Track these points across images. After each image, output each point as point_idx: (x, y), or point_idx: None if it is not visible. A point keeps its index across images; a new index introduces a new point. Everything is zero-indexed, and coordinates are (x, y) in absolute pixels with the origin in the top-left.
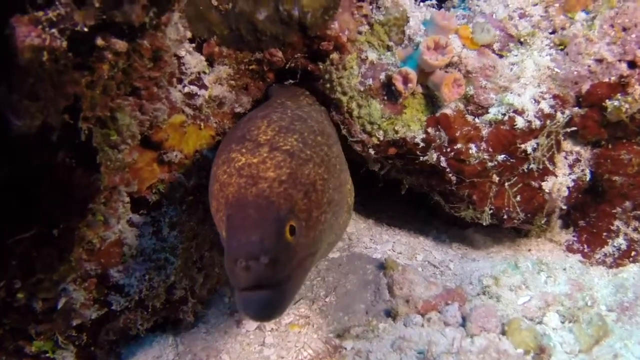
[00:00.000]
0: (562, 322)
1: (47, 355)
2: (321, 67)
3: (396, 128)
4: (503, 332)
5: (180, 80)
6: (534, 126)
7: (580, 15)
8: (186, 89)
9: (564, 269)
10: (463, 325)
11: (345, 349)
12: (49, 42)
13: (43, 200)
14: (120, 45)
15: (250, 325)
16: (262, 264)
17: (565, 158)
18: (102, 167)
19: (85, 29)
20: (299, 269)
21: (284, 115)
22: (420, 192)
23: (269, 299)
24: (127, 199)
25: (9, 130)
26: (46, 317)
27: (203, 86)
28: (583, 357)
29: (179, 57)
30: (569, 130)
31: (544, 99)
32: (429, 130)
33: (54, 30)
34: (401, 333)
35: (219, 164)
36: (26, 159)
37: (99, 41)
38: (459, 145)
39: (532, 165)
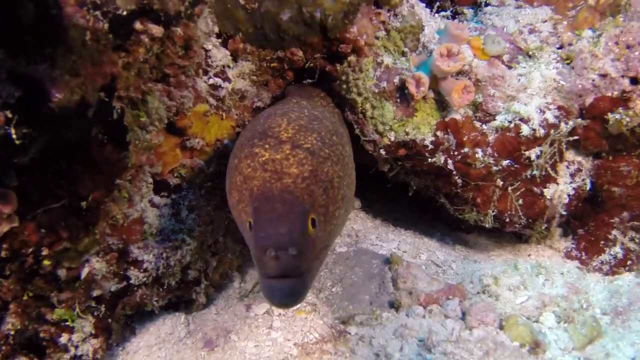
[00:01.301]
0: (558, 322)
1: (67, 323)
2: (339, 68)
3: (407, 130)
4: (501, 327)
5: (206, 72)
6: (538, 134)
7: (587, 33)
8: (211, 81)
9: (562, 274)
10: (462, 318)
11: (350, 334)
12: (92, 23)
13: (75, 173)
14: (157, 30)
15: (259, 309)
16: (290, 255)
17: (567, 167)
18: (130, 145)
19: (125, 13)
20: (316, 260)
21: (301, 115)
22: (426, 197)
23: (294, 288)
24: (151, 180)
25: (50, 103)
26: (69, 286)
27: (227, 79)
28: (576, 354)
29: (206, 50)
30: (571, 139)
31: (549, 109)
32: (438, 133)
33: (97, 12)
34: (403, 322)
35: (241, 157)
36: (63, 132)
37: (138, 25)
38: (466, 149)
39: (535, 172)
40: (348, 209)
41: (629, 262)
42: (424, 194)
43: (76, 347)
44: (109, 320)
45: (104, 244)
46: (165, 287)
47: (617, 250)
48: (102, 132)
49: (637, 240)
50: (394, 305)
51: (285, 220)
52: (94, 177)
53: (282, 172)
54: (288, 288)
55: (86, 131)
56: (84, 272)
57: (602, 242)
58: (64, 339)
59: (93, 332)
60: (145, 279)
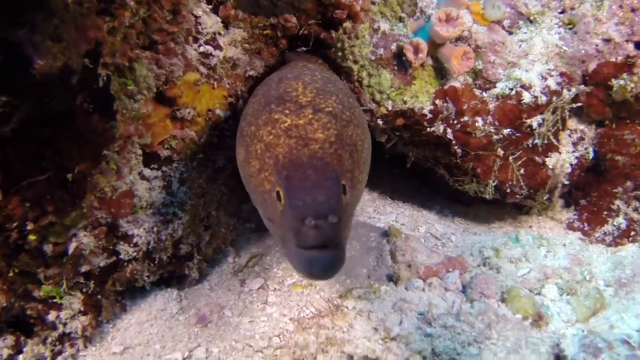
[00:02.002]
0: (561, 295)
1: (55, 300)
2: (334, 35)
3: (405, 98)
4: (502, 300)
5: (196, 40)
6: (540, 102)
7: None
8: (201, 48)
9: (564, 245)
10: (463, 291)
11: (347, 307)
12: None
13: (59, 143)
14: None
15: (254, 284)
16: (330, 223)
17: (570, 136)
18: (118, 114)
19: None
20: (347, 228)
21: (315, 78)
22: (425, 168)
23: (335, 258)
24: (140, 152)
25: (31, 70)
26: (56, 262)
27: (218, 47)
28: (580, 327)
29: (195, 17)
30: (574, 107)
31: (551, 75)
32: (437, 102)
33: None
34: (402, 295)
35: (259, 124)
36: (46, 100)
37: None
38: (465, 118)
39: (536, 141)
40: (367, 173)
41: (632, 233)
42: (422, 165)
43: (65, 325)
44: (99, 296)
45: (92, 218)
46: (156, 262)
47: (621, 220)
48: (87, 101)
49: None
50: (393, 279)
51: (322, 187)
52: (80, 148)
53: (308, 137)
54: (330, 258)
55: (71, 99)
56: (71, 247)
57: (605, 212)
58: (51, 316)
59: (82, 309)
60: (135, 253)
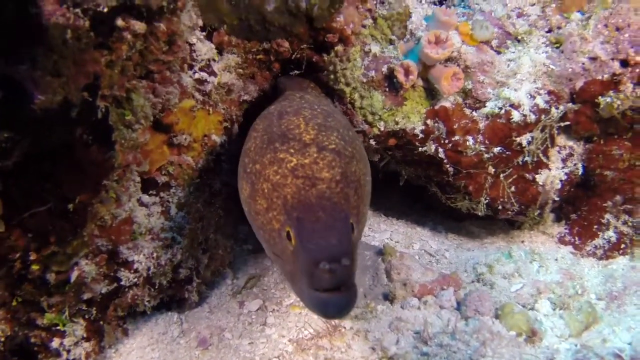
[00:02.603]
0: (553, 309)
1: (58, 327)
2: (326, 58)
3: (396, 119)
4: (496, 316)
5: (191, 67)
6: (529, 120)
7: (576, 15)
8: (196, 75)
9: (556, 259)
10: (458, 309)
11: (345, 327)
12: (72, 21)
13: (60, 175)
14: (140, 26)
15: (253, 306)
16: (344, 266)
17: (559, 152)
18: (116, 145)
19: (106, 10)
20: (355, 263)
21: (315, 112)
22: (418, 186)
23: (349, 299)
24: (138, 179)
25: (32, 105)
26: (58, 290)
27: (212, 73)
28: (573, 341)
29: (190, 44)
30: (562, 124)
31: (539, 94)
32: (428, 122)
33: (77, 10)
34: (398, 314)
35: (264, 163)
36: (46, 134)
37: (120, 22)
38: (456, 137)
39: (526, 158)
40: (369, 203)
41: (622, 246)
42: (415, 183)
43: (68, 351)
44: (101, 322)
45: (93, 246)
46: (156, 286)
47: (611, 234)
48: (86, 133)
49: (630, 224)
50: (389, 298)
51: (333, 230)
52: (80, 178)
53: (315, 177)
54: (344, 300)
55: (70, 132)
56: (74, 275)
57: (595, 226)
58: (55, 343)
59: (85, 335)
60: (136, 279)
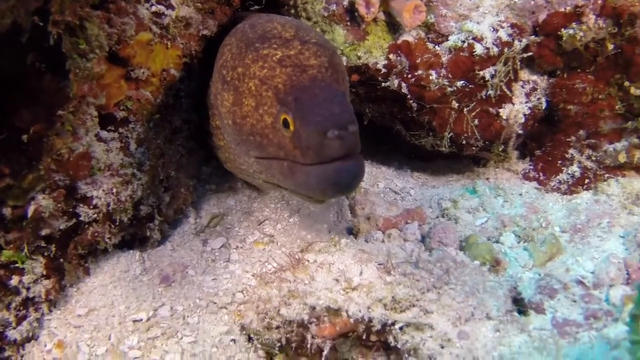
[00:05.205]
0: (518, 242)
1: (17, 265)
2: None
3: (359, 54)
4: (461, 248)
5: None
6: (492, 53)
7: None
8: (153, 8)
9: (520, 194)
10: (422, 241)
11: (308, 261)
12: None
13: (12, 105)
14: None
15: (216, 243)
16: (351, 133)
17: (523, 87)
18: (71, 74)
19: None
20: None
21: (287, 18)
22: (382, 126)
23: (360, 166)
24: (95, 113)
25: None
26: (15, 226)
27: (170, 6)
28: (537, 270)
29: None
30: (525, 56)
31: (502, 27)
32: (391, 56)
33: None
34: (362, 247)
35: (247, 64)
36: None
37: None
38: (419, 72)
39: (490, 92)
40: None
41: (586, 181)
42: (380, 122)
43: (27, 289)
44: (61, 260)
45: (50, 181)
46: (117, 223)
47: (575, 169)
48: (39, 60)
49: (594, 158)
50: (353, 232)
51: (334, 101)
52: (33, 108)
53: (303, 64)
54: (356, 166)
55: (21, 59)
56: (30, 210)
57: (559, 161)
58: (14, 281)
59: (44, 273)
60: (95, 215)
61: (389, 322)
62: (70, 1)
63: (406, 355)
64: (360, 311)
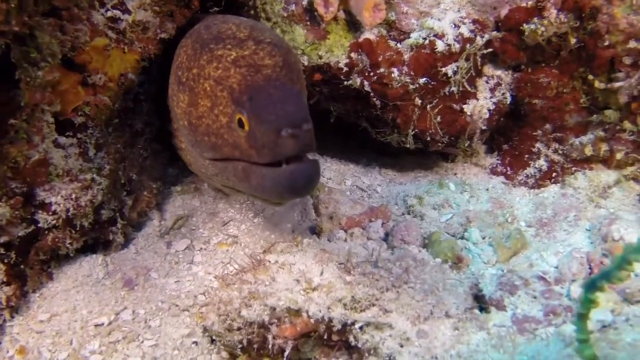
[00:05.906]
0: (483, 237)
1: None
2: None
3: (320, 53)
4: (424, 245)
5: (102, 4)
6: (453, 50)
7: None
8: (109, 13)
9: (487, 189)
10: (385, 239)
11: (270, 261)
12: None
13: None
14: None
15: (180, 245)
16: (305, 130)
17: (487, 82)
18: (21, 83)
19: None
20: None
21: (242, 19)
22: (350, 124)
23: (316, 169)
24: (52, 120)
25: None
26: None
27: (126, 11)
28: (500, 266)
29: None
30: (487, 52)
31: (463, 23)
32: (352, 55)
33: None
34: (323, 246)
35: (202, 65)
36: None
37: None
38: (381, 70)
39: (453, 88)
40: None
41: (554, 174)
42: (347, 120)
43: None
44: (22, 266)
45: (6, 188)
46: (78, 228)
47: (542, 162)
48: None
49: (560, 152)
50: (316, 231)
51: (289, 100)
52: None
53: (257, 64)
54: (311, 169)
55: None
56: None
57: (526, 155)
58: None
59: (5, 279)
60: (54, 221)
61: (349, 321)
62: (17, 11)
63: (366, 355)
64: (320, 311)
